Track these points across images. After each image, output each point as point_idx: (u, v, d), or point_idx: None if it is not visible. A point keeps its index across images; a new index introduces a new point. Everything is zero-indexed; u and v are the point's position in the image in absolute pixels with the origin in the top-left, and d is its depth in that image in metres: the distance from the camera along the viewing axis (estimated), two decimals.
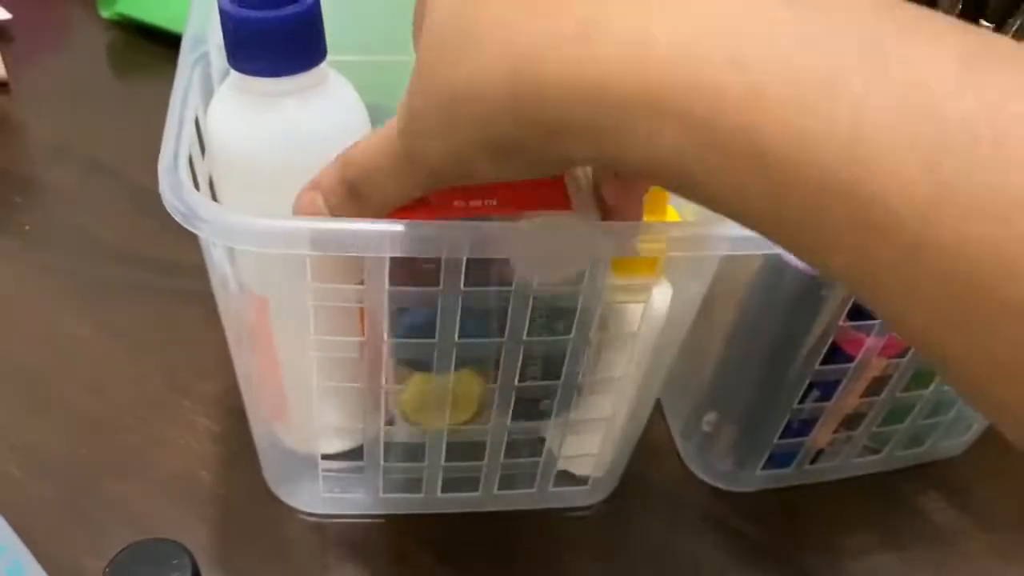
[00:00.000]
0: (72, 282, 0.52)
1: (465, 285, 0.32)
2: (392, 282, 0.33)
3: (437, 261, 0.32)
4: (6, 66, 0.67)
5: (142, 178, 0.59)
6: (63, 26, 0.76)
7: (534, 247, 0.32)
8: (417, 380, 0.38)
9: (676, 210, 0.37)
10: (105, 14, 0.73)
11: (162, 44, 0.72)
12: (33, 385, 0.47)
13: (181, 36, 0.69)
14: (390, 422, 0.38)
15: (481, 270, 0.33)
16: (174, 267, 0.54)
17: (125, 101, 0.69)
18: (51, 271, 0.53)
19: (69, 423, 0.45)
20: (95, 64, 0.72)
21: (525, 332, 0.35)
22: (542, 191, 0.32)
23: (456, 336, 0.34)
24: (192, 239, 0.53)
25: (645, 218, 0.33)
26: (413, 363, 0.37)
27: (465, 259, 0.32)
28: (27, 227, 0.56)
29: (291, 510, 0.42)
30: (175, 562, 0.28)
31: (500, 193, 0.31)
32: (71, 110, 0.66)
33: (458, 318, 0.34)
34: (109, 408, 0.46)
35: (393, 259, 0.32)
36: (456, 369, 0.36)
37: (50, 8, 0.78)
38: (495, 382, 0.37)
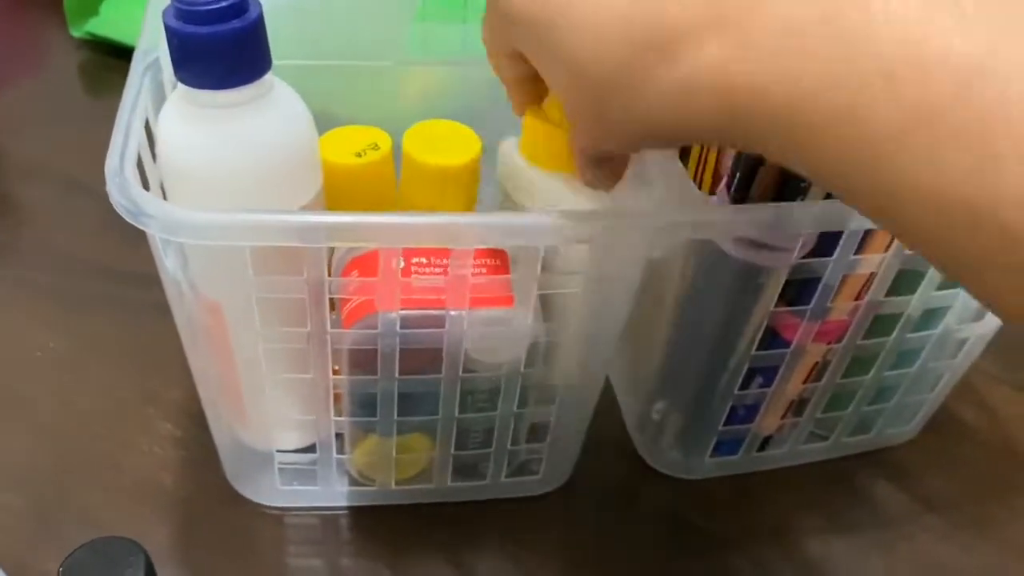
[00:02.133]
0: (44, 295, 0.54)
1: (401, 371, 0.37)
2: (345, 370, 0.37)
3: (373, 352, 0.36)
4: None
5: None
6: (35, 46, 0.78)
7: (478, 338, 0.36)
8: (369, 441, 0.41)
9: None
10: (76, 33, 0.74)
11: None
12: (2, 396, 0.47)
13: None
14: (339, 414, 0.39)
15: (423, 354, 0.37)
16: (144, 280, 0.54)
17: (97, 119, 0.69)
18: (23, 285, 0.54)
19: (37, 433, 0.46)
20: (67, 83, 0.73)
21: (456, 410, 0.39)
22: (491, 288, 0.35)
23: (395, 414, 0.39)
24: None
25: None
26: (365, 426, 0.40)
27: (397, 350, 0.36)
28: None
29: (251, 506, 0.43)
30: (130, 558, 0.29)
31: (450, 290, 0.34)
32: (44, 128, 0.67)
33: (395, 399, 0.38)
34: (77, 417, 0.47)
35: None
36: (403, 433, 0.40)
37: (22, 28, 0.80)
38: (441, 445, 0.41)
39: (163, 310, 0.52)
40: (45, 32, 0.77)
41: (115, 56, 0.74)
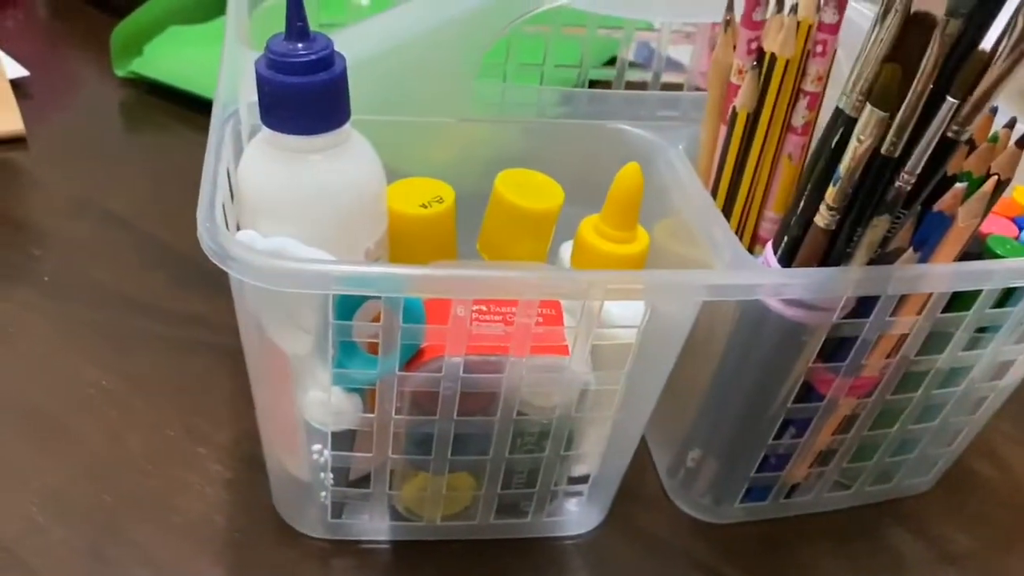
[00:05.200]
0: (91, 332, 0.55)
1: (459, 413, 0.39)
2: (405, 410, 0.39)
3: (434, 394, 0.38)
4: (24, 121, 0.71)
5: (156, 231, 0.63)
6: (78, 84, 0.80)
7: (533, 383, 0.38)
8: (419, 478, 0.42)
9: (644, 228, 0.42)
10: (119, 73, 0.77)
11: (172, 102, 0.76)
12: (54, 432, 0.49)
13: (191, 94, 0.74)
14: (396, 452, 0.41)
15: (480, 397, 0.39)
16: (188, 318, 0.57)
17: (138, 156, 0.72)
18: (70, 321, 0.56)
19: (90, 470, 0.47)
20: (109, 120, 0.76)
21: (507, 451, 0.41)
22: (548, 337, 0.38)
23: (449, 453, 0.40)
24: (203, 292, 0.57)
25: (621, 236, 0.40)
26: (417, 464, 0.42)
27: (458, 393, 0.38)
28: (46, 278, 0.59)
29: (299, 543, 0.45)
30: None
31: (514, 338, 0.37)
32: (86, 165, 0.70)
33: (451, 439, 0.40)
34: (129, 455, 0.48)
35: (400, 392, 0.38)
36: (451, 472, 0.42)
37: (66, 67, 0.82)
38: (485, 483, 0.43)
39: (208, 348, 0.54)
40: (89, 70, 0.80)
41: (155, 95, 0.77)
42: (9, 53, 0.78)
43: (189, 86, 0.74)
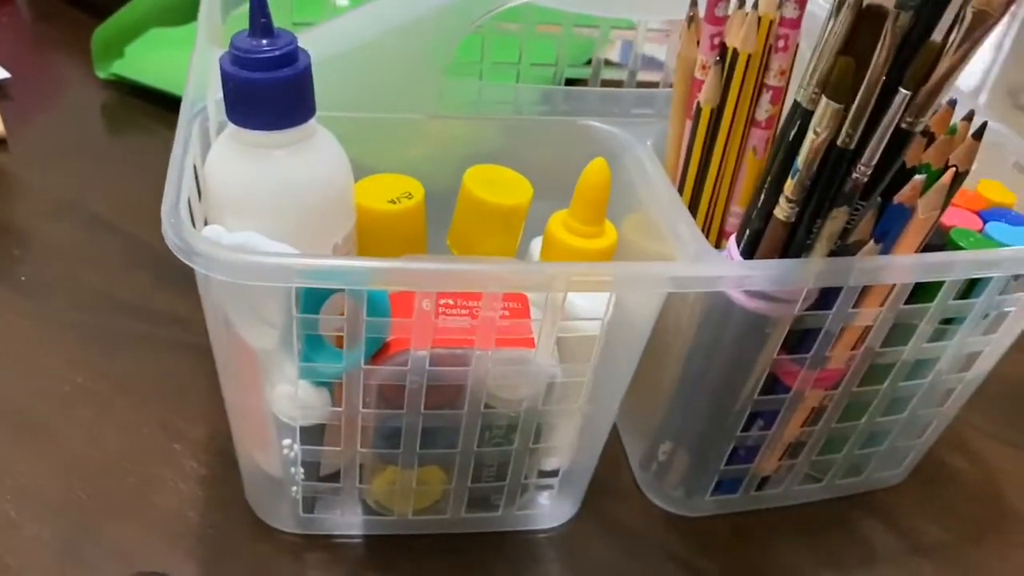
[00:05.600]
0: (70, 332, 0.55)
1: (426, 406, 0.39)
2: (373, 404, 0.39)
3: (400, 388, 0.38)
4: (5, 124, 0.71)
5: (137, 231, 0.63)
6: (60, 85, 0.80)
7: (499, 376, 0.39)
8: (388, 472, 0.43)
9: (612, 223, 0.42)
10: (101, 75, 0.77)
11: (154, 103, 0.76)
12: (31, 430, 0.49)
13: (172, 96, 0.74)
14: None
15: (446, 390, 0.39)
16: (167, 318, 0.57)
17: (119, 158, 0.73)
18: (47, 321, 0.56)
19: (66, 467, 0.47)
20: (90, 122, 0.76)
21: (475, 444, 0.41)
22: (514, 330, 0.38)
23: (417, 447, 0.41)
24: (182, 292, 0.57)
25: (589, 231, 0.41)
26: (386, 457, 0.42)
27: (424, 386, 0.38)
28: (23, 278, 0.59)
29: (273, 538, 0.45)
30: None
31: (479, 331, 0.37)
32: (68, 166, 0.70)
33: (419, 433, 0.40)
34: (105, 452, 0.48)
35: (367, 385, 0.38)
36: (421, 465, 0.42)
37: (47, 68, 0.82)
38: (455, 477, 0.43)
39: (187, 348, 0.55)
40: (70, 72, 0.80)
41: (136, 96, 0.77)
42: None
43: (170, 87, 0.74)
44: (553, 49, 0.65)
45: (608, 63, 0.67)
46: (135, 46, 0.77)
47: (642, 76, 0.68)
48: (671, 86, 0.46)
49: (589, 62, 0.68)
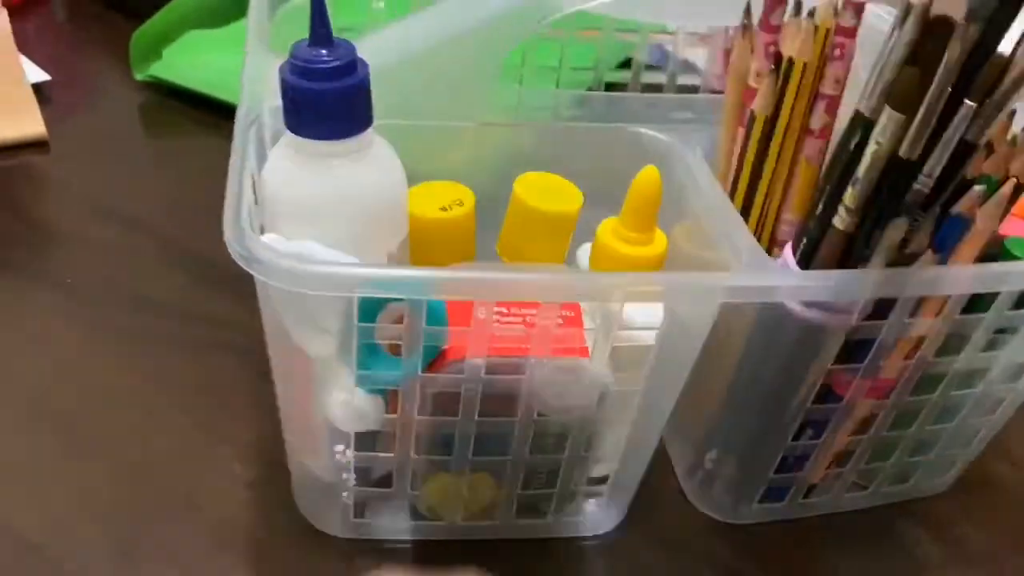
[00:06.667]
0: (113, 334, 0.56)
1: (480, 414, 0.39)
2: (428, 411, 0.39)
3: (455, 395, 0.38)
4: (45, 125, 0.71)
5: (176, 234, 0.63)
6: (98, 87, 0.81)
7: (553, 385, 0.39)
8: (440, 478, 0.43)
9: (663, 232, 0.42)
10: (139, 76, 0.78)
11: (192, 105, 0.76)
12: (79, 434, 0.49)
13: (211, 97, 0.74)
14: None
15: (500, 398, 0.39)
16: (209, 320, 0.57)
17: (158, 160, 0.73)
18: (93, 323, 0.56)
19: (115, 471, 0.48)
20: (129, 123, 0.77)
21: (527, 452, 0.41)
22: (569, 339, 0.38)
23: (470, 454, 0.41)
24: (221, 294, 0.57)
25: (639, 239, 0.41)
26: (439, 464, 0.42)
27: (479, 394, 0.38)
28: (69, 280, 0.59)
29: (322, 542, 0.45)
30: None
31: (534, 340, 0.37)
32: (107, 168, 0.70)
33: (472, 440, 0.40)
34: (153, 456, 0.49)
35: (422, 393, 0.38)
36: (472, 472, 0.42)
37: (86, 70, 0.83)
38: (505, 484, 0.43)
39: (229, 350, 0.55)
40: (109, 74, 0.81)
41: (174, 98, 0.78)
42: (30, 57, 0.78)
43: (208, 90, 0.75)
44: (592, 53, 0.65)
45: (646, 67, 0.67)
46: (173, 48, 0.78)
47: (679, 80, 0.68)
48: (710, 91, 0.46)
49: (621, 65, 0.68)
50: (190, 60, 0.77)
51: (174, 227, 0.64)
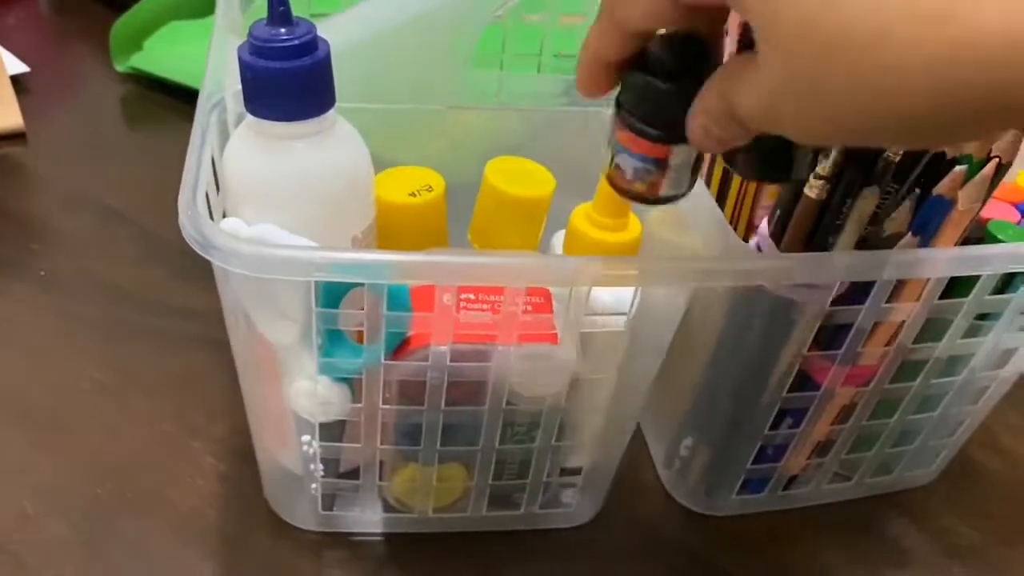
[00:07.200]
0: (87, 326, 0.55)
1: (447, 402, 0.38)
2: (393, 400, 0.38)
3: (421, 383, 0.37)
4: (24, 117, 0.71)
5: (154, 225, 0.63)
6: (78, 79, 0.80)
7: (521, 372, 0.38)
8: (408, 469, 0.42)
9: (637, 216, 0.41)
10: (119, 68, 0.77)
11: (173, 96, 0.76)
12: (48, 425, 0.49)
13: (191, 89, 0.73)
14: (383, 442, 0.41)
15: (468, 386, 0.38)
16: (184, 312, 0.56)
17: (137, 151, 0.72)
18: (66, 315, 0.56)
19: (84, 463, 0.47)
20: (109, 115, 0.76)
21: (497, 441, 0.40)
22: (537, 325, 0.37)
23: (438, 443, 0.40)
24: (199, 286, 0.56)
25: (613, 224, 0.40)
26: (406, 454, 0.41)
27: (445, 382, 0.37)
28: (42, 272, 0.59)
29: (291, 535, 0.45)
30: None
31: (501, 326, 0.36)
32: (86, 160, 0.70)
33: (439, 429, 0.39)
34: (123, 448, 0.48)
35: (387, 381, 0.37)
36: (441, 463, 0.41)
37: (66, 62, 0.82)
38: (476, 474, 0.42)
39: (204, 343, 0.54)
40: (89, 65, 0.80)
41: (155, 90, 0.77)
42: (9, 49, 0.78)
43: (188, 81, 0.74)
44: (575, 40, 0.63)
45: None
46: (154, 39, 0.77)
47: None
48: None
49: None
50: (171, 51, 0.76)
51: (152, 219, 0.63)
